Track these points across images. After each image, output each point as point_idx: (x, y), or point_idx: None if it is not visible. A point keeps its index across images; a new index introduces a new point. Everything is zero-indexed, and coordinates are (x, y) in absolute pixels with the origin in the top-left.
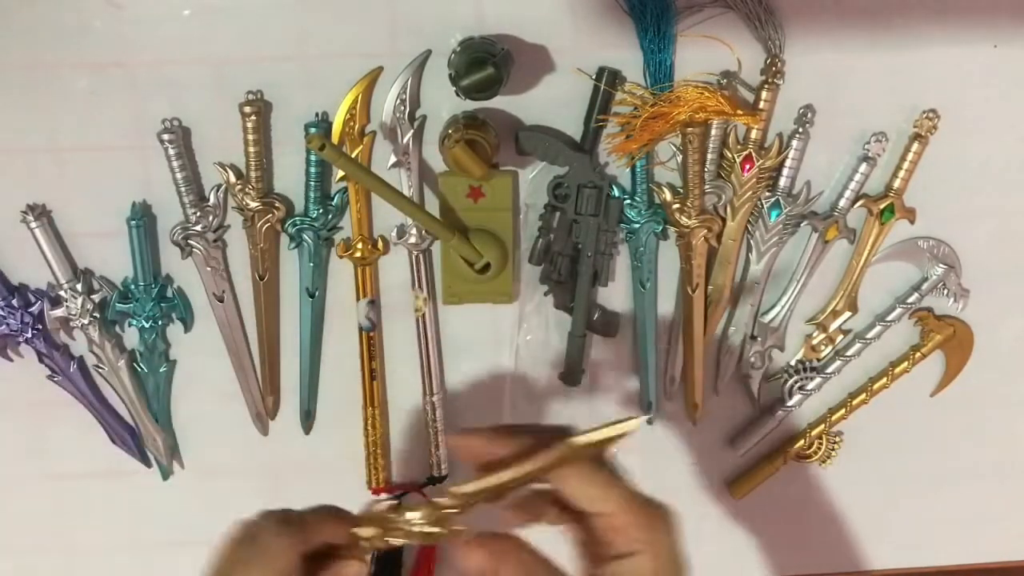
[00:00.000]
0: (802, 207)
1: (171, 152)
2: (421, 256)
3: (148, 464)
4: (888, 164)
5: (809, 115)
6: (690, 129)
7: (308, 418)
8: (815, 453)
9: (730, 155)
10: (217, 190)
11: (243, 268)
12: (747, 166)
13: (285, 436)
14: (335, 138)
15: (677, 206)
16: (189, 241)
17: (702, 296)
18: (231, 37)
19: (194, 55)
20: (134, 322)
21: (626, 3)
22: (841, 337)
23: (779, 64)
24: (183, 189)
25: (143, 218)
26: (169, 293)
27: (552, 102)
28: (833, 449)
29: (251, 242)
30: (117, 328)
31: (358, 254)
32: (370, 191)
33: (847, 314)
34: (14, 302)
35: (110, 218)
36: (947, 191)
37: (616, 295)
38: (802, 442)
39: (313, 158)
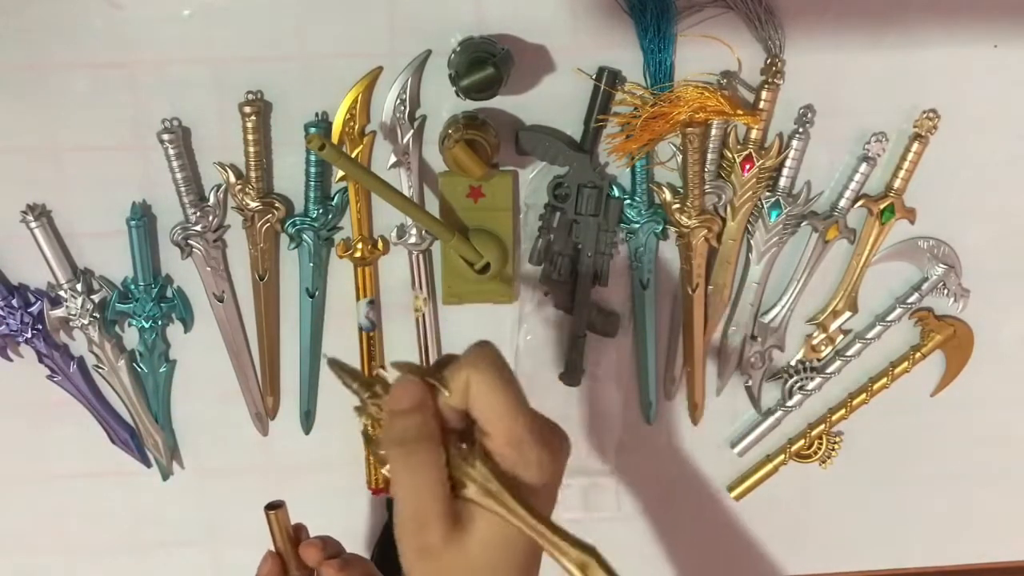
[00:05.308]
0: (802, 207)
1: (171, 152)
2: (421, 256)
3: (148, 464)
4: (888, 164)
5: (809, 115)
6: (690, 129)
7: (308, 418)
8: (815, 453)
9: (730, 155)
10: (217, 190)
11: (243, 268)
12: (747, 166)
13: (285, 436)
14: (335, 138)
15: (677, 206)
16: (189, 241)
17: (702, 296)
18: (231, 37)
19: (194, 55)
20: (134, 322)
21: (626, 3)
22: (841, 337)
23: (779, 64)
24: (183, 189)
25: (143, 218)
26: (169, 293)
27: (552, 102)
28: (833, 449)
29: (251, 242)
30: (117, 328)
31: (358, 254)
32: (370, 191)
33: (847, 314)
34: (14, 302)
35: (110, 218)
36: (947, 191)
37: (616, 295)
38: (802, 442)
39: (313, 158)
